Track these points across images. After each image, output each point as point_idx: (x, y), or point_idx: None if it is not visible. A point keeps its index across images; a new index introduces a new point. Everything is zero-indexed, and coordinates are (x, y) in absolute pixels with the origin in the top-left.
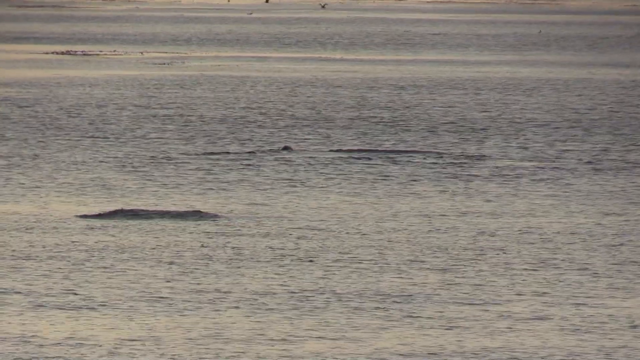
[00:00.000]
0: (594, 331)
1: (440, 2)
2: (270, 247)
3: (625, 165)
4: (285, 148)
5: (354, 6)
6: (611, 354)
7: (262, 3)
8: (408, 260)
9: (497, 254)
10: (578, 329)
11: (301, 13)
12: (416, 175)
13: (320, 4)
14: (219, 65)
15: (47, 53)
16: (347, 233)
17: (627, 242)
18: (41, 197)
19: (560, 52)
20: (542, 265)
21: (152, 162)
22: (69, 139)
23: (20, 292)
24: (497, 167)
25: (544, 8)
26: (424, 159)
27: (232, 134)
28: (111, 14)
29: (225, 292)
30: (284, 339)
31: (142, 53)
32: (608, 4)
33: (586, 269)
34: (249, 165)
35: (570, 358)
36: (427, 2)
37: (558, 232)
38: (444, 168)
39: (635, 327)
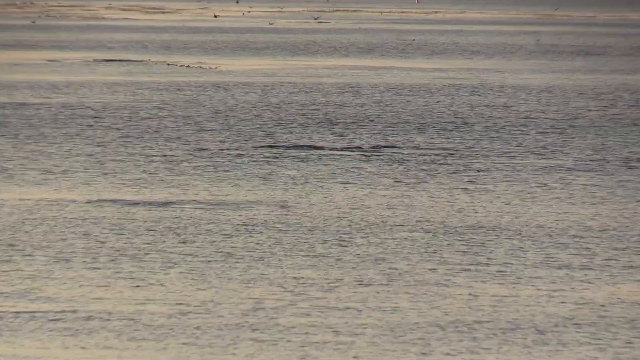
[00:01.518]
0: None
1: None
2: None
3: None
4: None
5: (351, 17)
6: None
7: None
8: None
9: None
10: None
11: (304, 24)
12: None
13: (314, 17)
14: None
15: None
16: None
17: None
18: (94, 188)
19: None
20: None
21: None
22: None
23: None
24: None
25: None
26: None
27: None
28: (144, 24)
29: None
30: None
31: (168, 63)
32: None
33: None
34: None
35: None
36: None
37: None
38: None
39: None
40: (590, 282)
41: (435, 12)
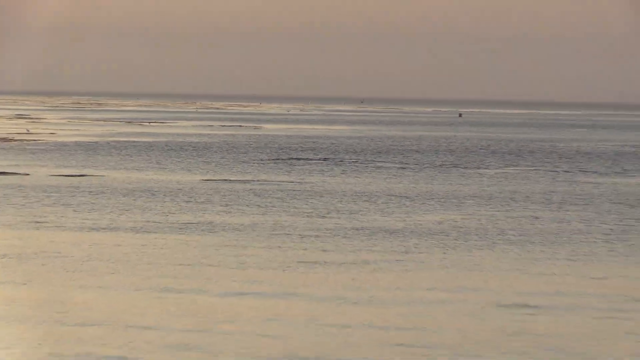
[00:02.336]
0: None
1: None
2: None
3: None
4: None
5: (320, 109)
6: None
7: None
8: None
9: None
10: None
11: (303, 112)
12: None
13: (303, 107)
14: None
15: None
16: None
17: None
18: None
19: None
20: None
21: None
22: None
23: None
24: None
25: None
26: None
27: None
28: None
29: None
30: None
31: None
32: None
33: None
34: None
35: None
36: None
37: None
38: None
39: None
40: (413, 213)
41: (350, 108)
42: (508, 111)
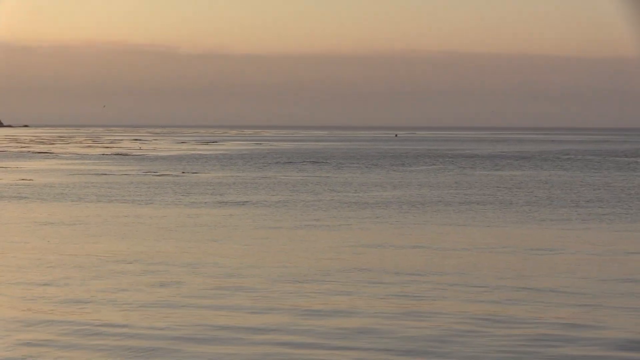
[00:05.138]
0: None
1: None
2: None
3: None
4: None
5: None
6: None
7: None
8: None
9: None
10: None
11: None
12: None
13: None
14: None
15: None
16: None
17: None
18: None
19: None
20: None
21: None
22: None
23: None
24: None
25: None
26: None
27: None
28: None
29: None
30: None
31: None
32: None
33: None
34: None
35: None
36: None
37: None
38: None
39: None
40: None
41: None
42: (430, 132)
